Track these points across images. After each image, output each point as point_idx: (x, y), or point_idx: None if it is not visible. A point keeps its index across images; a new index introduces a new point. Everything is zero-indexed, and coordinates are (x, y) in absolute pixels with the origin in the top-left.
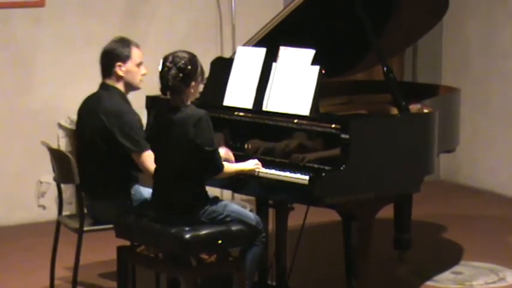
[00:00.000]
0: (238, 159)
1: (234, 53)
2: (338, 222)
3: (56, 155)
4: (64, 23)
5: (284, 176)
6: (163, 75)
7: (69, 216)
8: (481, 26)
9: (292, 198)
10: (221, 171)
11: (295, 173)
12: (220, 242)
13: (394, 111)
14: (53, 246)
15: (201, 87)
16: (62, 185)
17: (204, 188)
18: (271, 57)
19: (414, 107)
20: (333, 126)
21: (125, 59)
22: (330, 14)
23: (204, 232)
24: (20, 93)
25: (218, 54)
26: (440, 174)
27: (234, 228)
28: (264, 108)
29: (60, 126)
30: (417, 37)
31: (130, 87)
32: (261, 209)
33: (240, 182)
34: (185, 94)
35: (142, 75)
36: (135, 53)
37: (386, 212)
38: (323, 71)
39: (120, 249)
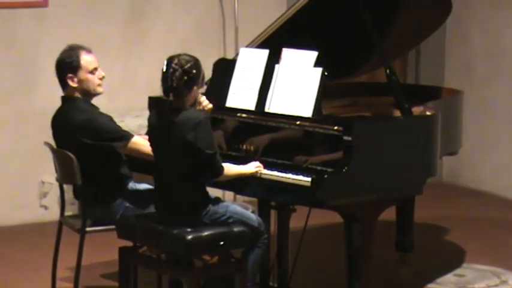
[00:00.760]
0: (240, 160)
1: (236, 54)
2: (340, 224)
3: (58, 155)
4: (67, 23)
5: (286, 177)
6: (167, 76)
7: (71, 217)
8: (484, 28)
9: (294, 200)
10: (221, 174)
11: (297, 174)
12: (222, 243)
13: (397, 113)
14: (55, 247)
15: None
16: (64, 186)
17: (205, 190)
18: (273, 59)
19: (417, 109)
20: (336, 128)
21: (74, 69)
22: (332, 16)
23: (206, 233)
24: (23, 94)
25: (221, 56)
26: (443, 177)
27: (236, 229)
28: (266, 110)
29: None
30: (420, 39)
31: (89, 94)
32: (263, 211)
33: (242, 184)
34: (186, 97)
35: (100, 79)
36: (86, 60)
37: (389, 214)
38: (326, 73)
39: (122, 250)
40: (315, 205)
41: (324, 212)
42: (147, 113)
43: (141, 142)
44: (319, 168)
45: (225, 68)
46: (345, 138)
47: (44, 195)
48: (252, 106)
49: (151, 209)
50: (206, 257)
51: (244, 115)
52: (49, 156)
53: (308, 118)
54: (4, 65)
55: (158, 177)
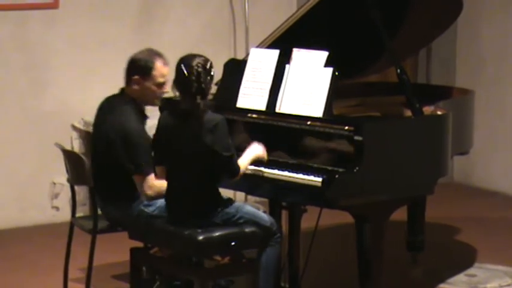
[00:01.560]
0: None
1: (247, 55)
2: (351, 224)
3: (69, 156)
4: (78, 25)
5: (297, 178)
6: (192, 79)
7: (83, 218)
8: (496, 28)
9: (305, 200)
10: (238, 174)
11: (308, 175)
12: (233, 243)
13: (408, 113)
14: (67, 248)
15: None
16: (76, 187)
17: (218, 190)
18: (284, 59)
19: (428, 109)
20: (346, 128)
21: (144, 75)
22: (343, 15)
23: (217, 234)
24: (34, 95)
25: (231, 56)
26: (454, 177)
27: (247, 229)
28: (277, 110)
29: (74, 127)
30: (431, 39)
31: (145, 102)
32: (274, 211)
33: (252, 184)
34: (208, 96)
35: (161, 93)
36: (159, 72)
37: (400, 214)
38: (336, 73)
39: (134, 251)
40: (326, 205)
41: (335, 212)
42: (157, 114)
43: (155, 183)
44: (330, 168)
45: (235, 69)
46: (356, 138)
47: (56, 196)
48: (262, 106)
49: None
50: (217, 258)
51: (254, 115)
52: (60, 157)
53: (319, 118)
54: (15, 66)
55: (172, 177)
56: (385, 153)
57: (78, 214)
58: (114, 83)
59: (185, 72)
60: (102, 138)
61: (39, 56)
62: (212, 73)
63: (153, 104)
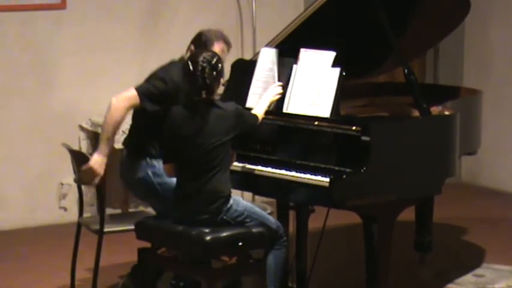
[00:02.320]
0: (258, 161)
1: (254, 55)
2: (359, 224)
3: (77, 156)
4: (85, 25)
5: (305, 178)
6: (197, 75)
7: (90, 218)
8: (504, 28)
9: (313, 200)
10: (257, 123)
11: (315, 175)
12: (240, 244)
13: (416, 113)
14: (74, 248)
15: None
16: (83, 187)
17: (229, 184)
18: (291, 59)
19: (436, 109)
20: (354, 128)
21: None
22: (350, 16)
23: (224, 234)
24: (42, 95)
25: (239, 56)
26: (461, 177)
27: (254, 230)
28: (284, 110)
29: (81, 128)
30: (439, 39)
31: None
32: (281, 211)
33: (260, 184)
34: (215, 91)
35: None
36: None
37: (408, 214)
38: (344, 73)
39: (141, 251)
40: (334, 205)
41: (343, 212)
42: None
43: (127, 95)
44: (337, 168)
45: (243, 69)
46: (363, 138)
47: (63, 196)
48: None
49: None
50: (225, 258)
51: None
52: (68, 158)
53: (326, 118)
54: (23, 66)
55: (181, 173)
56: (393, 153)
57: (86, 214)
58: (121, 83)
59: (190, 67)
60: None
61: (47, 56)
62: (219, 69)
63: None
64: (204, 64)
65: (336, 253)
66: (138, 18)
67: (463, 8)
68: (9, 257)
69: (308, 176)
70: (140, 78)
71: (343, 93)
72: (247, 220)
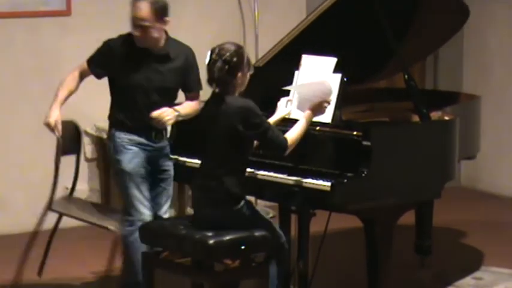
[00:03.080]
0: (261, 167)
1: (257, 61)
2: (360, 228)
3: None
4: (89, 32)
5: (306, 182)
6: (209, 67)
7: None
8: (502, 34)
9: (314, 204)
10: (286, 147)
11: (317, 179)
12: (243, 247)
13: (416, 118)
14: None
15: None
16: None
17: (244, 180)
18: (292, 65)
19: (435, 114)
20: (355, 133)
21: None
22: (352, 22)
23: (227, 238)
24: (47, 101)
25: None
26: (461, 181)
27: (257, 233)
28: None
29: (86, 133)
30: (438, 45)
31: None
32: (283, 215)
33: (263, 189)
34: (232, 85)
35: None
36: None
37: (408, 217)
38: (345, 79)
39: (145, 255)
40: (335, 209)
41: (344, 216)
42: None
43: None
44: (338, 172)
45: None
46: (364, 143)
47: None
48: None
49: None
50: (228, 261)
51: None
52: (72, 162)
53: (328, 124)
54: (29, 71)
55: (201, 165)
56: (393, 157)
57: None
58: None
59: (206, 59)
60: None
61: (52, 62)
62: (233, 63)
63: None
64: (216, 57)
65: (337, 256)
66: None
67: (462, 15)
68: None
69: (310, 180)
70: None
71: (344, 98)
72: (258, 222)
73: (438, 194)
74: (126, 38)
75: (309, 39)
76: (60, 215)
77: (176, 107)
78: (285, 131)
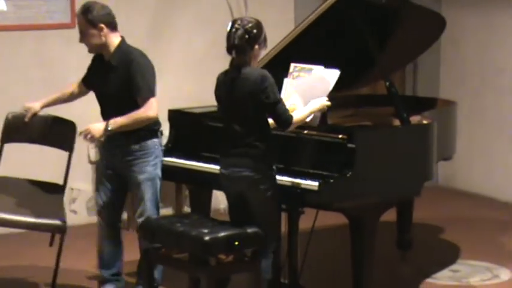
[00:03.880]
0: None
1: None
2: (345, 224)
3: None
4: None
5: (295, 182)
6: (230, 35)
7: None
8: (477, 44)
9: (303, 202)
10: (290, 123)
11: (305, 179)
12: (236, 243)
13: (396, 122)
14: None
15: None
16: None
17: (268, 147)
18: (282, 73)
19: (415, 119)
20: (340, 136)
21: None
22: (337, 33)
23: (222, 234)
24: (53, 108)
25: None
26: (439, 180)
27: (249, 230)
28: None
29: None
30: (417, 54)
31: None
32: None
33: None
34: (248, 55)
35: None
36: None
37: (389, 215)
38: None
39: (145, 251)
40: (322, 207)
41: (331, 213)
42: (167, 125)
43: (155, 106)
44: (325, 173)
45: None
46: (349, 145)
47: (73, 200)
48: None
49: None
50: (221, 256)
51: None
52: (78, 164)
53: (315, 127)
54: (35, 81)
55: (225, 130)
56: (376, 159)
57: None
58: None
59: (228, 28)
60: None
61: (58, 72)
62: (253, 34)
63: None
64: (239, 26)
65: (324, 251)
66: (140, 37)
67: (439, 25)
68: (21, 259)
69: (298, 180)
70: None
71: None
72: (270, 204)
73: (418, 192)
74: None
75: (297, 48)
76: None
77: (111, 120)
78: None
